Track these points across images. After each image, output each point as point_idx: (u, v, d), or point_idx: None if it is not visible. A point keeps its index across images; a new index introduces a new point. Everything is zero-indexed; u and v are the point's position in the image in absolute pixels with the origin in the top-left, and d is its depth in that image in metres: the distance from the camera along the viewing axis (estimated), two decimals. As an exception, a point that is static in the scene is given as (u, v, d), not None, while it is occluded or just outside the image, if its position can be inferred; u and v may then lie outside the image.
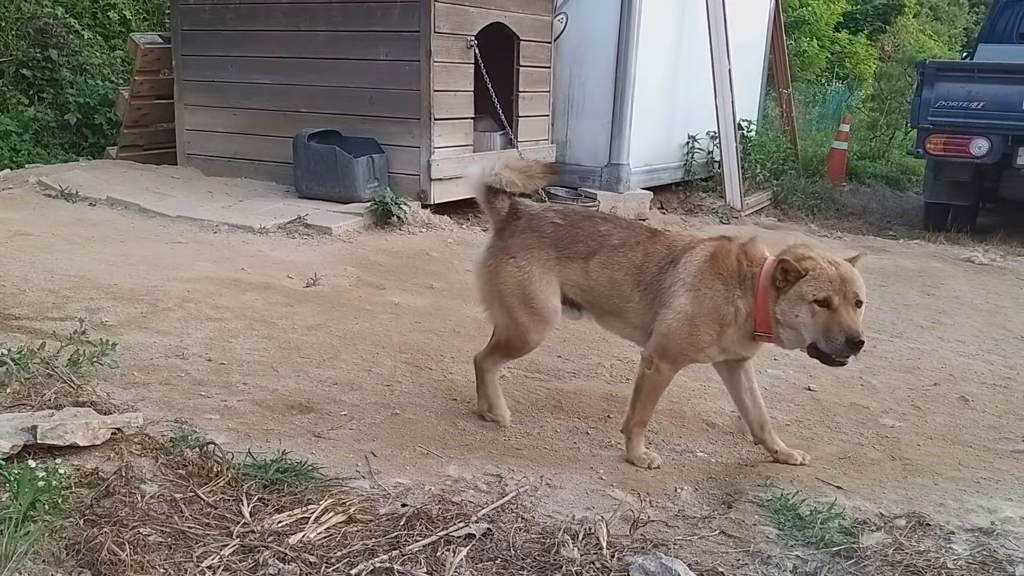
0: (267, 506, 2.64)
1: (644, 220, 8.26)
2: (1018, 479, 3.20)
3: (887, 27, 24.23)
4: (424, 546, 2.47)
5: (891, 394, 4.11)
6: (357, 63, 6.98)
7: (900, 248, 7.94)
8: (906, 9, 25.21)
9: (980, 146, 8.22)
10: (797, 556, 2.53)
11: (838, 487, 3.05)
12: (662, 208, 9.07)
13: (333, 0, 7.03)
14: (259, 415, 3.35)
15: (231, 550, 2.39)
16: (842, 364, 2.87)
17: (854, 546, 2.57)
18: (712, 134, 9.43)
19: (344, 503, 2.69)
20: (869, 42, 23.37)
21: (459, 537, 2.53)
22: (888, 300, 5.82)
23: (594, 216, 3.32)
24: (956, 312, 5.65)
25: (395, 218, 6.52)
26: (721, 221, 8.73)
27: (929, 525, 2.75)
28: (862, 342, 2.79)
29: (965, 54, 11.34)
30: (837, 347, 2.80)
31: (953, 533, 2.71)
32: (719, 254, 3.04)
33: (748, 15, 10.29)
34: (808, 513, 2.77)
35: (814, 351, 2.90)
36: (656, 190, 9.07)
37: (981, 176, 8.61)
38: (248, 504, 2.62)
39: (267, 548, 2.41)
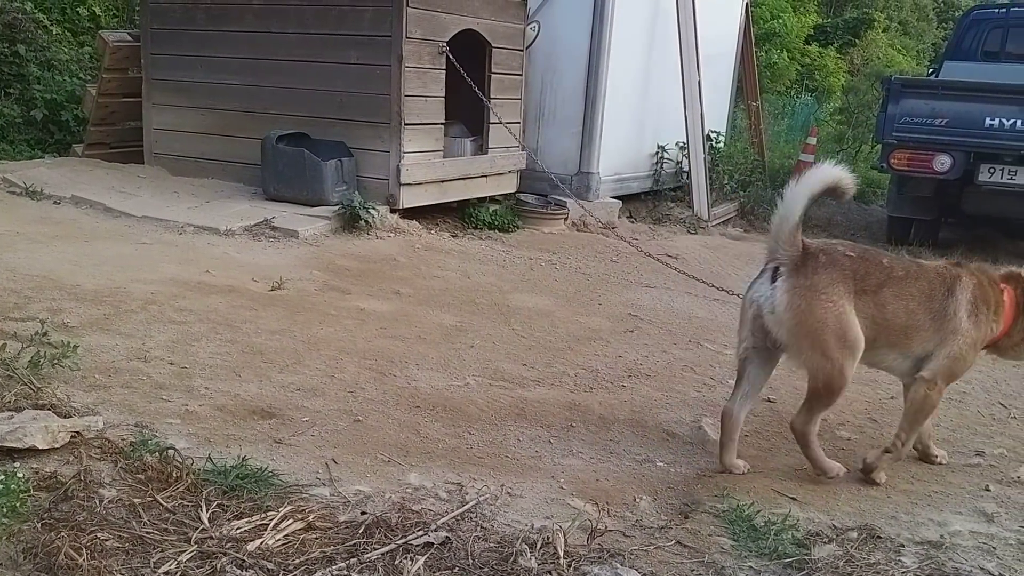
0: (226, 512, 2.64)
1: (613, 228, 8.34)
2: (969, 493, 3.27)
3: (857, 41, 24.54)
4: (382, 554, 2.48)
5: (848, 407, 4.17)
6: (328, 66, 6.97)
7: (863, 261, 8.04)
8: (876, 24, 25.56)
9: (943, 162, 8.34)
10: (750, 567, 2.57)
11: (793, 498, 3.09)
12: (631, 217, 9.13)
13: (304, 2, 7.01)
14: (220, 420, 3.34)
15: (189, 556, 2.39)
16: None
17: (806, 558, 2.61)
18: (681, 144, 9.50)
19: (303, 510, 2.69)
20: (839, 55, 23.66)
21: (418, 546, 2.55)
22: (849, 313, 5.90)
23: (869, 248, 3.38)
24: (915, 326, 5.73)
25: (363, 222, 6.51)
26: (688, 231, 8.81)
27: (880, 538, 2.80)
28: None
29: (931, 70, 11.51)
30: None
31: (903, 546, 2.76)
32: (982, 280, 3.29)
33: (719, 27, 10.38)
34: (763, 524, 2.81)
35: None
36: (625, 199, 9.13)
37: (943, 191, 8.74)
38: (207, 510, 2.62)
39: (225, 554, 2.41)
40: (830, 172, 3.11)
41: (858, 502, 3.11)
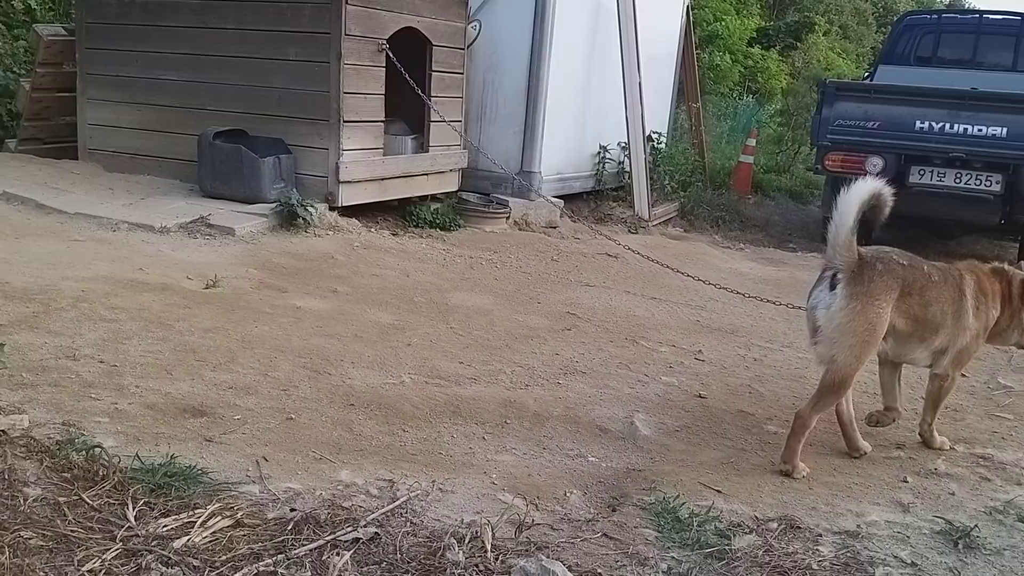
0: (153, 510, 2.63)
1: (555, 227, 8.41)
2: (887, 484, 3.38)
3: (798, 44, 24.97)
4: (310, 550, 2.49)
5: (777, 402, 4.28)
6: (266, 62, 6.92)
7: (798, 260, 8.23)
8: (817, 27, 26.06)
9: (875, 164, 8.55)
10: (672, 557, 2.63)
11: (718, 491, 3.16)
12: (572, 217, 9.18)
13: (243, -2, 6.97)
14: (150, 418, 3.31)
15: (114, 554, 2.38)
16: None
17: (726, 548, 2.68)
18: (623, 145, 9.60)
19: (232, 507, 2.69)
20: (781, 58, 24.06)
21: (346, 541, 2.57)
22: (782, 311, 6.03)
23: (913, 256, 3.69)
24: (845, 323, 5.88)
25: (301, 220, 6.47)
26: (629, 231, 8.90)
27: (799, 528, 2.88)
28: None
29: (867, 74, 11.78)
30: None
31: (821, 536, 2.85)
32: (980, 277, 3.71)
33: (660, 29, 10.52)
34: (687, 516, 2.88)
35: None
36: (567, 199, 9.20)
37: (876, 193, 8.95)
38: (133, 508, 2.61)
39: (151, 552, 2.40)
40: (874, 184, 3.37)
41: (781, 494, 3.20)
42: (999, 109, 8.32)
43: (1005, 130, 8.20)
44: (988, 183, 8.31)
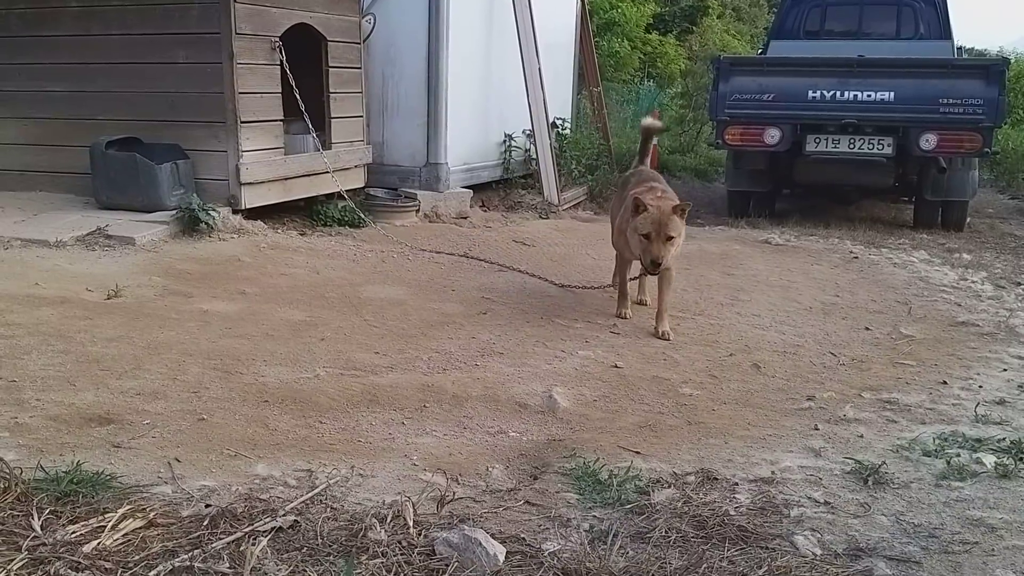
0: (60, 518, 2.54)
1: (466, 218, 8.40)
2: (799, 433, 3.47)
3: (694, 28, 25.47)
4: (228, 543, 2.44)
5: (691, 366, 4.35)
6: (155, 67, 6.72)
7: (706, 234, 8.38)
8: (710, 10, 26.62)
9: (773, 135, 8.78)
10: (594, 516, 2.66)
11: (637, 452, 3.20)
12: (483, 206, 9.20)
13: (126, 2, 6.74)
14: (54, 430, 3.20)
15: (20, 564, 2.29)
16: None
17: (647, 503, 2.72)
18: (528, 132, 9.64)
19: (144, 508, 2.62)
20: (678, 42, 24.49)
21: (264, 531, 2.52)
22: (692, 282, 6.14)
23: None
24: (753, 289, 6.03)
25: (204, 225, 6.32)
26: (540, 216, 8.94)
27: (716, 479, 2.94)
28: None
29: (760, 50, 12.06)
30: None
31: (737, 484, 2.91)
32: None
33: (556, 17, 10.60)
34: (607, 477, 2.91)
35: None
36: (476, 188, 9.20)
37: (776, 163, 9.19)
38: (39, 517, 2.51)
39: (59, 559, 2.32)
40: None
41: (698, 450, 3.25)
42: (886, 74, 8.62)
43: (892, 94, 8.50)
44: (880, 147, 8.61)
